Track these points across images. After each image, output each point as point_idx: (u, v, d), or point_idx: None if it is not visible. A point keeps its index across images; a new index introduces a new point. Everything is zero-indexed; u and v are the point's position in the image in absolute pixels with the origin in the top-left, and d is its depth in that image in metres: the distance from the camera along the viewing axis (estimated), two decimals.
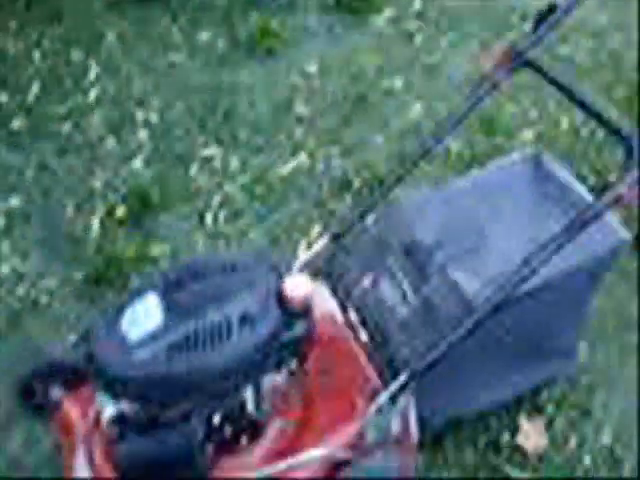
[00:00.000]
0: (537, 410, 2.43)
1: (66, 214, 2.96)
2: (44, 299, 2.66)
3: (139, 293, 1.88)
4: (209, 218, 2.98)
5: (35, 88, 3.54)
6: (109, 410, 1.84)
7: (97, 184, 3.06)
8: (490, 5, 4.26)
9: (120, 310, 1.85)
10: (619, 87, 3.66)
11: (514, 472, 2.31)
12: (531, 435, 2.37)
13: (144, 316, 1.82)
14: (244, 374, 1.84)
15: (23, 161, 3.18)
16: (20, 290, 2.69)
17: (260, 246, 2.88)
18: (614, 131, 1.91)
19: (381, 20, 4.09)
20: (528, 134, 3.46)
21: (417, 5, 4.20)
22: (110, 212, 2.95)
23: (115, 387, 1.80)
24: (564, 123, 3.49)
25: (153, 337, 1.78)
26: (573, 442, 2.39)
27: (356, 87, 3.64)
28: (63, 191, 3.05)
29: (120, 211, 2.94)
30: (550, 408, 2.45)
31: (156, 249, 2.82)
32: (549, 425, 2.41)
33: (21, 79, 3.60)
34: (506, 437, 2.36)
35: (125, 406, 1.82)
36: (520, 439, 2.36)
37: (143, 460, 1.80)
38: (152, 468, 1.81)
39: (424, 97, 3.62)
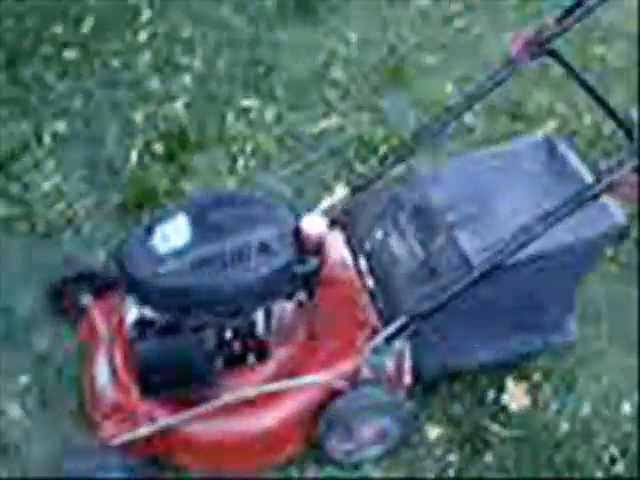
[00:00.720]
0: (524, 376, 2.60)
1: (107, 143, 3.14)
2: (80, 217, 2.87)
3: (170, 213, 2.08)
4: (240, 163, 3.16)
5: (89, 23, 3.71)
6: (133, 313, 2.03)
7: (139, 119, 3.25)
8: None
9: (152, 226, 2.06)
10: None
11: (496, 428, 2.48)
12: (515, 397, 2.54)
13: (173, 233, 2.02)
14: (257, 297, 2.05)
15: (72, 89, 3.37)
16: (59, 206, 2.89)
17: (285, 194, 3.05)
18: (618, 123, 2.08)
19: None
20: (552, 124, 3.59)
21: None
22: (148, 146, 3.13)
23: (141, 293, 2.00)
24: (588, 118, 3.62)
25: (180, 252, 1.99)
26: (553, 409, 2.56)
27: (393, 59, 3.78)
28: (106, 121, 3.23)
29: (158, 147, 3.13)
30: (537, 376, 2.61)
31: (188, 185, 3.01)
32: (533, 391, 2.58)
33: (77, 13, 3.77)
34: (492, 396, 2.54)
35: (148, 311, 2.01)
36: (505, 399, 2.53)
37: (158, 359, 2.01)
38: (165, 367, 2.02)
39: (457, 76, 3.75)
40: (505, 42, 3.95)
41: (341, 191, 2.44)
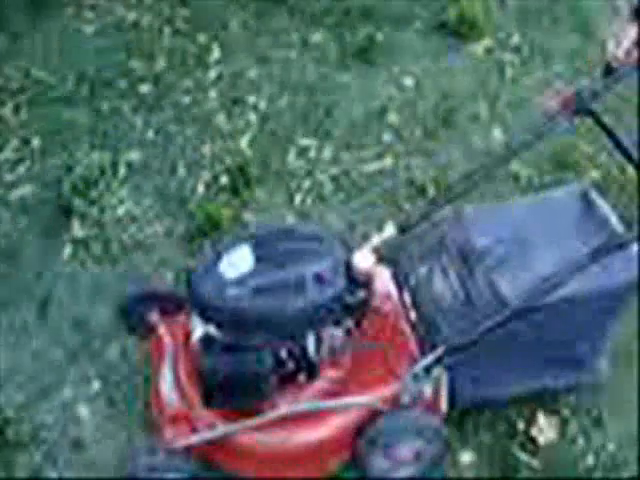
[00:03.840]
0: (554, 411, 2.77)
1: (177, 173, 3.41)
2: (150, 241, 3.14)
3: (236, 243, 2.31)
4: (298, 198, 3.40)
5: (163, 60, 3.99)
6: (199, 331, 2.27)
7: (207, 153, 3.52)
8: (584, 49, 4.53)
9: (219, 254, 2.30)
10: None
11: (524, 457, 2.66)
12: (545, 430, 2.71)
13: (239, 261, 2.26)
14: (309, 323, 2.27)
15: (145, 122, 3.64)
16: (131, 230, 3.17)
17: (337, 230, 3.28)
18: None
19: (479, 48, 4.39)
20: (595, 174, 3.75)
21: (515, 40, 4.50)
22: (215, 179, 3.39)
23: (207, 313, 2.24)
24: (630, 170, 3.77)
25: (243, 279, 2.23)
26: (581, 443, 2.72)
27: (445, 105, 3.98)
28: (177, 154, 3.50)
29: (223, 179, 3.39)
30: (566, 412, 2.78)
31: (248, 216, 3.26)
32: (562, 425, 2.75)
33: (152, 50, 4.05)
34: (521, 427, 2.71)
35: (212, 329, 2.24)
36: (534, 431, 2.70)
37: (221, 373, 2.23)
38: (226, 382, 2.24)
39: (505, 125, 3.94)
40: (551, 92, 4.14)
41: (390, 230, 2.65)
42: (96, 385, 2.71)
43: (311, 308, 2.23)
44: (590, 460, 2.69)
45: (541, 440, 2.69)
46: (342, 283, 2.27)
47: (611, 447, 2.74)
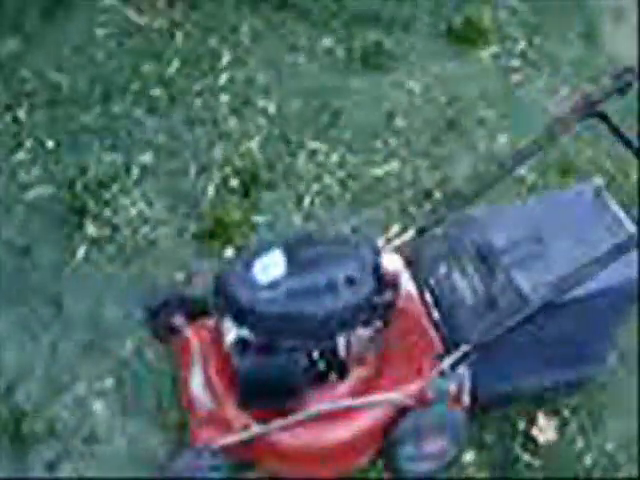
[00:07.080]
0: (554, 411, 2.84)
1: (188, 176, 3.49)
2: (162, 242, 3.23)
3: (267, 248, 2.40)
4: (306, 201, 3.47)
5: (175, 64, 4.06)
6: (233, 334, 2.35)
7: (217, 156, 3.58)
8: (589, 55, 4.59)
9: (251, 259, 2.38)
10: None
11: (524, 456, 2.72)
12: (545, 430, 2.78)
13: (271, 266, 2.33)
14: (340, 324, 2.36)
15: (157, 125, 3.71)
16: (143, 230, 3.26)
17: (343, 232, 3.34)
18: None
19: (485, 54, 4.45)
20: (599, 180, 3.80)
21: (521, 46, 4.56)
22: (224, 181, 3.47)
23: (242, 317, 2.32)
24: (633, 176, 3.82)
25: (277, 283, 2.31)
26: (580, 444, 2.79)
27: (452, 111, 4.03)
28: (188, 156, 3.58)
29: (233, 182, 3.46)
30: (566, 412, 2.85)
31: (258, 218, 3.34)
32: (562, 426, 2.81)
33: (164, 54, 4.12)
34: (522, 427, 2.78)
35: (246, 333, 2.33)
36: (534, 431, 2.77)
37: (255, 375, 2.32)
38: (261, 383, 2.33)
39: (511, 130, 4.00)
40: (559, 99, 4.20)
41: (409, 233, 2.72)
42: (110, 381, 2.79)
43: (343, 310, 2.32)
44: (589, 460, 2.76)
45: (541, 440, 2.76)
46: (372, 285, 2.36)
47: (610, 447, 2.80)
